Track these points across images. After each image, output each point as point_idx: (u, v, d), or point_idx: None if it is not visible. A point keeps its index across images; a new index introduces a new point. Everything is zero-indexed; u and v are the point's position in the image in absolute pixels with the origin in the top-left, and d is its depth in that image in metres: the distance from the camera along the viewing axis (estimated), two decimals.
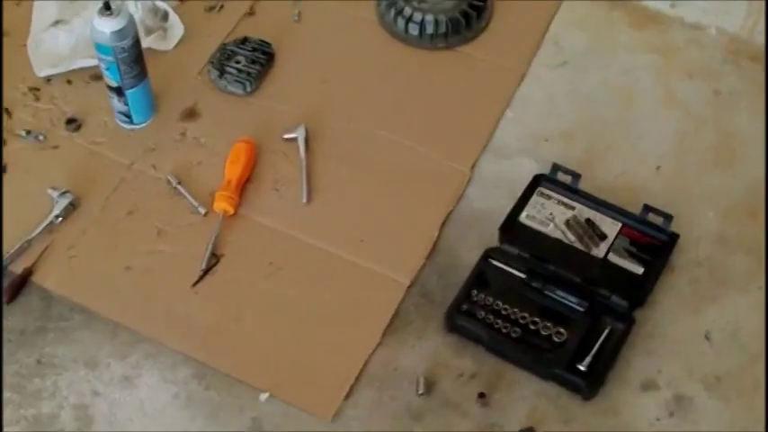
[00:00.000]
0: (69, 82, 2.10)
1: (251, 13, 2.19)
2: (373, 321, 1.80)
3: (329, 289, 1.84)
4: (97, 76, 2.05)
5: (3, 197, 1.93)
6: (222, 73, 2.06)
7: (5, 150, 2.02)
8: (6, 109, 2.07)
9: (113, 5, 1.85)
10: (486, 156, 2.00)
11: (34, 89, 2.09)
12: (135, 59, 1.92)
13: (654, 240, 1.85)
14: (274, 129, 2.01)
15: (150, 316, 1.82)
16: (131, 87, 1.95)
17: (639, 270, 1.82)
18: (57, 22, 2.15)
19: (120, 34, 1.86)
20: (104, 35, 1.86)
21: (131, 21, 1.87)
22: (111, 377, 1.77)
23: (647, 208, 1.86)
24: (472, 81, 2.09)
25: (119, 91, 1.95)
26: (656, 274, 1.83)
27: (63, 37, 2.13)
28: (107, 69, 1.92)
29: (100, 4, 1.87)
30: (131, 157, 2.00)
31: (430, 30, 2.12)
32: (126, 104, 1.98)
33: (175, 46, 2.15)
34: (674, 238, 1.86)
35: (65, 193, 1.92)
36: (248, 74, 2.06)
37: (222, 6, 2.20)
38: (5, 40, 2.17)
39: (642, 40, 2.16)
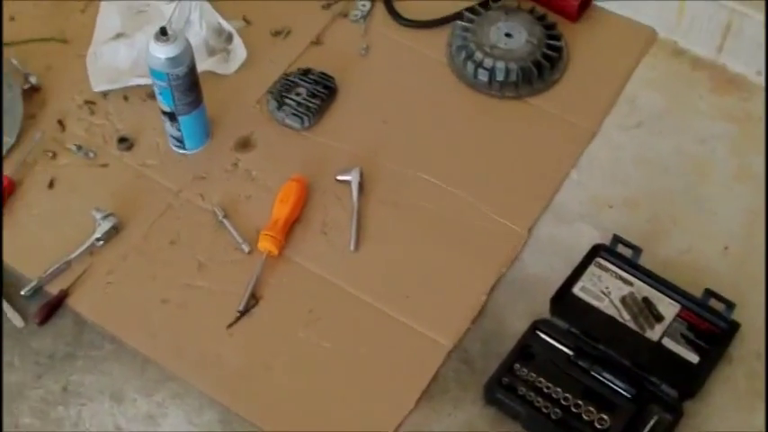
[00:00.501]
0: (126, 98, 2.06)
1: (317, 42, 2.13)
2: (410, 384, 1.74)
3: (367, 344, 1.79)
4: (154, 95, 2.00)
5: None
6: (281, 104, 2.00)
7: (55, 163, 1.98)
8: (60, 121, 2.04)
9: (170, 31, 1.80)
10: (545, 217, 1.92)
11: (90, 102, 2.06)
12: (190, 87, 1.87)
13: (713, 327, 1.77)
14: (328, 167, 1.96)
15: (181, 354, 1.78)
16: (184, 114, 1.91)
17: (695, 359, 1.74)
18: (118, 36, 2.12)
19: (174, 61, 1.81)
20: (159, 61, 1.81)
21: (188, 48, 1.82)
22: (135, 413, 1.73)
23: (709, 293, 1.78)
24: (539, 135, 2.02)
25: (171, 116, 1.91)
26: (711, 364, 1.74)
27: (123, 51, 2.09)
28: (160, 94, 1.88)
29: (157, 27, 1.82)
30: (180, 184, 1.95)
31: (500, 77, 2.04)
32: (179, 130, 1.94)
33: (236, 70, 2.08)
34: (734, 326, 1.78)
35: (109, 215, 1.88)
36: (307, 108, 2.00)
37: (289, 32, 2.14)
38: (65, 48, 2.14)
39: (722, 107, 2.07)
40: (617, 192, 1.96)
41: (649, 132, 2.04)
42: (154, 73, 1.84)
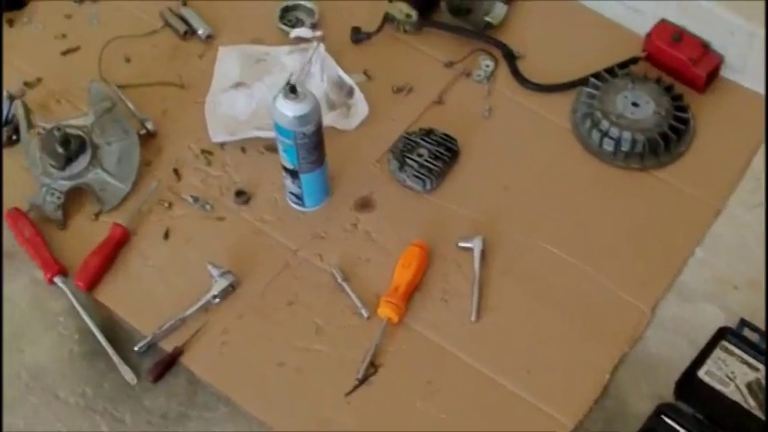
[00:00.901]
0: (243, 150, 2.04)
1: (439, 101, 2.10)
2: None
3: (486, 418, 1.76)
4: (272, 148, 1.99)
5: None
6: (402, 165, 1.98)
7: (170, 214, 1.97)
8: (176, 170, 2.02)
9: (300, 88, 1.77)
10: (669, 296, 1.88)
11: (207, 152, 2.04)
12: (315, 146, 1.85)
13: None
14: (449, 233, 1.93)
15: (297, 420, 1.76)
16: (307, 172, 1.89)
17: None
18: (237, 85, 2.10)
19: (303, 120, 1.79)
20: (286, 118, 1.79)
21: (317, 106, 1.80)
22: None
23: None
24: (663, 210, 1.98)
25: (293, 173, 1.89)
26: None
27: (242, 101, 2.07)
28: (284, 151, 1.85)
29: (283, 76, 1.81)
30: (298, 243, 1.93)
31: (625, 147, 2.01)
32: (299, 187, 1.92)
33: (357, 126, 2.06)
34: None
35: (225, 273, 1.86)
36: (430, 170, 1.97)
37: (411, 89, 2.11)
38: (182, 93, 2.13)
39: None
40: (742, 272, 1.92)
41: None
42: (280, 130, 1.82)
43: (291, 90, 1.77)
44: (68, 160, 1.95)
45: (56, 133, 1.93)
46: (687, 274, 1.91)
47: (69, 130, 1.95)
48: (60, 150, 1.93)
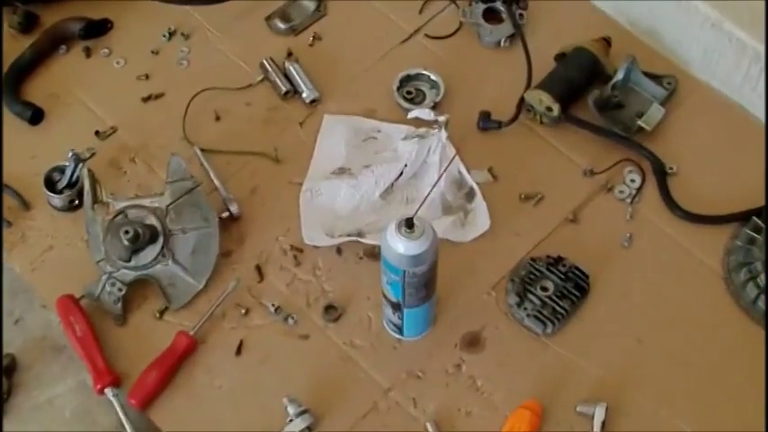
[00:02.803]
0: (339, 251, 1.80)
1: (574, 219, 1.83)
2: None
3: None
4: (372, 254, 1.76)
5: None
6: (522, 300, 1.72)
7: (247, 322, 1.75)
8: (258, 266, 1.78)
9: (417, 222, 1.51)
10: None
11: (296, 249, 1.80)
12: (426, 284, 1.60)
13: None
14: (567, 390, 1.69)
15: None
16: (412, 307, 1.64)
17: None
18: (341, 171, 1.85)
19: (416, 259, 1.54)
20: (397, 256, 1.53)
21: (434, 243, 1.54)
22: None
23: None
24: None
25: (396, 306, 1.64)
26: None
27: (345, 193, 1.83)
28: (389, 284, 1.61)
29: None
30: (391, 380, 1.69)
31: None
32: (400, 319, 1.67)
33: (473, 239, 1.80)
34: None
35: (304, 412, 1.62)
36: (554, 310, 1.72)
37: (541, 198, 1.85)
38: (276, 169, 1.89)
39: None
40: None
41: None
42: (387, 265, 1.56)
43: (408, 224, 1.51)
44: (135, 252, 1.70)
45: (124, 226, 1.68)
46: None
47: (139, 221, 1.70)
48: (127, 244, 1.68)
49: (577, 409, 1.68)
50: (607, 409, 1.66)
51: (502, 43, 2.00)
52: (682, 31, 1.96)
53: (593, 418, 1.66)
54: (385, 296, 1.65)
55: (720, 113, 1.96)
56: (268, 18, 2.03)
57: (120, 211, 1.73)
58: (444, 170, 1.77)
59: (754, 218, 1.82)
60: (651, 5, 1.98)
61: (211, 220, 1.76)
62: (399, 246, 1.52)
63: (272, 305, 1.74)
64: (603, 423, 1.66)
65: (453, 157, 1.80)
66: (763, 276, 1.76)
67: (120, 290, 1.72)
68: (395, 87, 1.94)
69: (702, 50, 1.95)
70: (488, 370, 1.71)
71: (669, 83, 1.95)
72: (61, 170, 1.81)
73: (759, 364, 1.73)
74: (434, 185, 1.68)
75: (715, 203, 1.86)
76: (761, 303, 1.76)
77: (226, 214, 1.80)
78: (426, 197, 1.61)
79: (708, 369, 1.73)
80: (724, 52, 1.91)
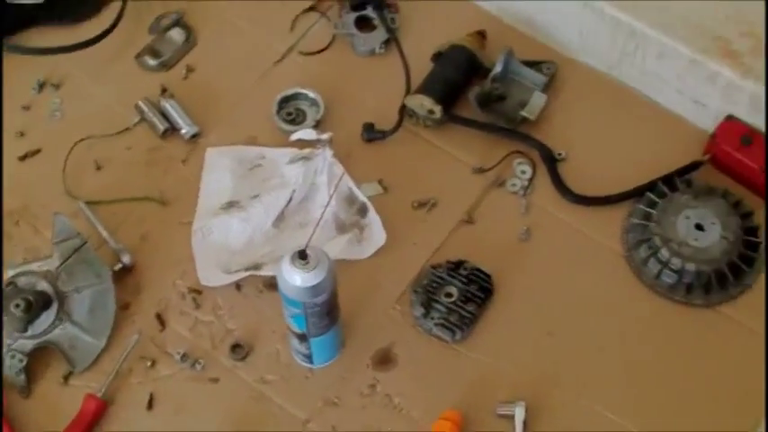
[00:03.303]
0: (238, 288, 1.78)
1: (469, 220, 1.83)
2: None
3: None
4: (272, 285, 1.74)
5: None
6: (428, 310, 1.72)
7: (154, 374, 1.72)
8: (158, 315, 1.76)
9: (310, 253, 1.49)
10: None
11: (195, 291, 1.78)
12: (327, 312, 1.59)
13: None
14: (486, 394, 1.69)
15: None
16: (317, 336, 1.64)
17: None
18: (230, 205, 1.82)
19: (315, 290, 1.53)
20: (295, 289, 1.52)
21: (330, 272, 1.52)
22: None
23: None
24: (733, 357, 1.73)
25: (302, 337, 1.63)
26: None
27: (236, 226, 1.81)
28: (291, 318, 1.60)
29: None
30: (307, 411, 1.69)
31: (687, 280, 1.75)
32: (308, 349, 1.66)
33: (371, 255, 1.79)
34: None
35: None
36: (461, 316, 1.72)
37: (434, 204, 1.84)
38: (164, 212, 1.86)
39: None
40: None
41: None
42: (287, 299, 1.55)
43: (301, 256, 1.49)
44: (30, 321, 1.67)
45: (14, 299, 1.65)
46: None
47: (29, 289, 1.68)
48: (19, 314, 1.65)
49: (497, 411, 1.68)
50: (527, 407, 1.66)
51: (377, 50, 1.99)
52: (556, 15, 1.96)
53: (514, 418, 1.66)
54: (289, 328, 1.64)
55: (603, 92, 1.96)
56: (138, 56, 2.00)
57: (10, 282, 1.70)
58: (334, 192, 1.75)
59: (648, 193, 1.83)
60: None
61: (104, 276, 1.73)
62: (296, 279, 1.51)
63: (178, 353, 1.72)
64: (525, 422, 1.66)
65: (341, 177, 1.78)
66: (664, 250, 1.77)
67: (20, 361, 1.69)
68: (274, 110, 1.92)
69: (578, 32, 1.95)
70: (403, 386, 1.71)
71: (548, 68, 1.95)
72: None
73: (670, 336, 1.74)
74: (325, 208, 1.66)
75: (608, 183, 1.86)
76: (664, 277, 1.77)
77: (119, 266, 1.77)
78: (318, 223, 1.59)
79: (621, 351, 1.74)
80: (599, 31, 1.92)
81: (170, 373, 1.72)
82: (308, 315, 1.57)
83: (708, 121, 1.88)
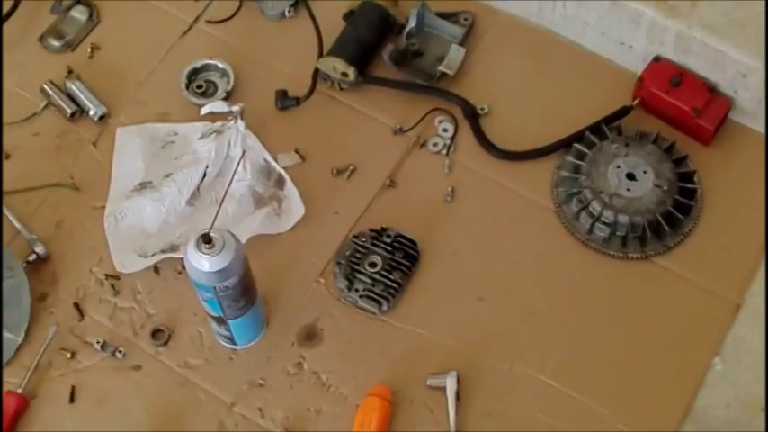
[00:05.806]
0: (157, 270, 1.78)
1: (391, 184, 1.83)
2: None
3: None
4: None
5: None
6: (352, 282, 1.72)
7: (75, 366, 1.73)
8: (76, 304, 1.77)
9: (215, 235, 1.49)
10: (686, 427, 1.65)
11: (112, 277, 1.79)
12: (241, 293, 1.60)
13: None
14: (416, 366, 1.71)
15: None
16: (235, 318, 1.64)
17: None
18: (142, 186, 1.82)
19: (223, 274, 1.53)
20: (203, 274, 1.52)
21: (238, 254, 1.52)
22: None
23: None
24: (671, 309, 1.75)
25: (220, 320, 1.64)
26: None
27: (150, 208, 1.81)
28: (206, 302, 1.61)
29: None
30: (233, 394, 1.70)
31: (621, 232, 1.75)
32: (228, 330, 1.67)
33: (292, 227, 1.79)
34: None
35: None
36: (386, 285, 1.73)
37: (354, 170, 1.84)
38: (76, 197, 1.86)
39: None
40: None
41: None
42: (196, 284, 1.56)
43: (205, 240, 1.49)
44: None
45: None
46: (706, 394, 1.68)
47: None
48: None
49: (428, 383, 1.69)
50: (459, 377, 1.67)
51: (286, 13, 1.98)
52: None
53: (446, 390, 1.67)
54: (206, 312, 1.64)
55: (524, 41, 1.96)
56: (41, 38, 1.99)
57: None
58: (238, 164, 1.74)
59: (576, 144, 1.83)
60: None
61: (16, 268, 1.75)
62: (203, 263, 1.52)
63: (98, 342, 1.73)
64: (458, 393, 1.67)
65: (242, 157, 1.77)
66: (595, 203, 1.77)
67: None
68: (183, 85, 1.91)
69: None
70: (331, 362, 1.72)
71: (465, 19, 1.95)
72: None
73: (606, 292, 1.75)
74: (229, 184, 1.64)
75: (535, 137, 1.87)
76: (597, 231, 1.78)
77: (33, 257, 1.78)
78: (221, 203, 1.57)
79: (556, 311, 1.75)
80: None
81: (91, 363, 1.73)
82: (221, 299, 1.58)
83: (636, 63, 1.89)
